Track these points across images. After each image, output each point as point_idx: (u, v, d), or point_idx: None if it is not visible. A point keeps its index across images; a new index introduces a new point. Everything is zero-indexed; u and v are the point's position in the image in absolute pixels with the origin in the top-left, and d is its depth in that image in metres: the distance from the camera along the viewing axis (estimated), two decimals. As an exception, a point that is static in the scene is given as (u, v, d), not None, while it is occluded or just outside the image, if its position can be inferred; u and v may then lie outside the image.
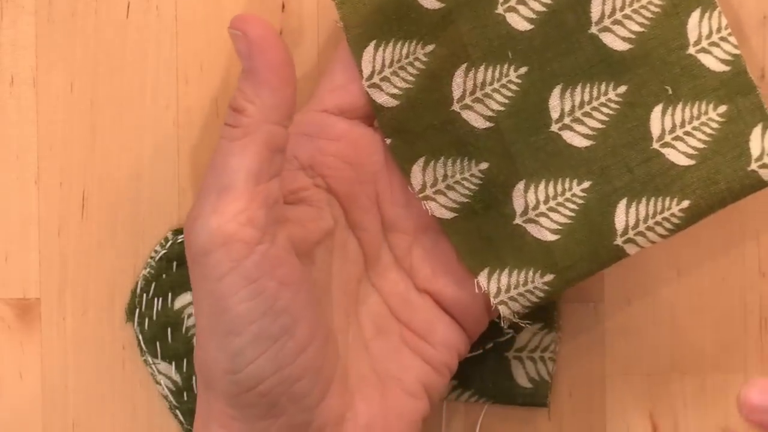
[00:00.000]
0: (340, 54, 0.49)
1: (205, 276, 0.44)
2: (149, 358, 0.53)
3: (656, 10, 0.48)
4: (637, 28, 0.48)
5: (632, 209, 0.48)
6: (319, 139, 0.47)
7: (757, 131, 0.48)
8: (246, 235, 0.43)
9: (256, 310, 0.43)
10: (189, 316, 0.53)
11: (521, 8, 0.48)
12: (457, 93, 0.48)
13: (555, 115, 0.49)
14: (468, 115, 0.49)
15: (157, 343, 0.53)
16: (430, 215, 0.49)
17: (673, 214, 0.48)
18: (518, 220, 0.49)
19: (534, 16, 0.48)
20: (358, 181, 0.49)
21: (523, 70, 0.48)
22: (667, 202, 0.48)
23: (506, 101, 0.48)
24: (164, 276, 0.53)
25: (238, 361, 0.44)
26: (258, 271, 0.43)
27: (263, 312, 0.43)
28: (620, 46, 0.48)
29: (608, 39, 0.48)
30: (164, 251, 0.53)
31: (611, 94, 0.48)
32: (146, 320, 0.53)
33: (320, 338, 0.46)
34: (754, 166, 0.47)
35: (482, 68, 0.48)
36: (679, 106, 0.48)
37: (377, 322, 0.49)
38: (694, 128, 0.48)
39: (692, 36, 0.48)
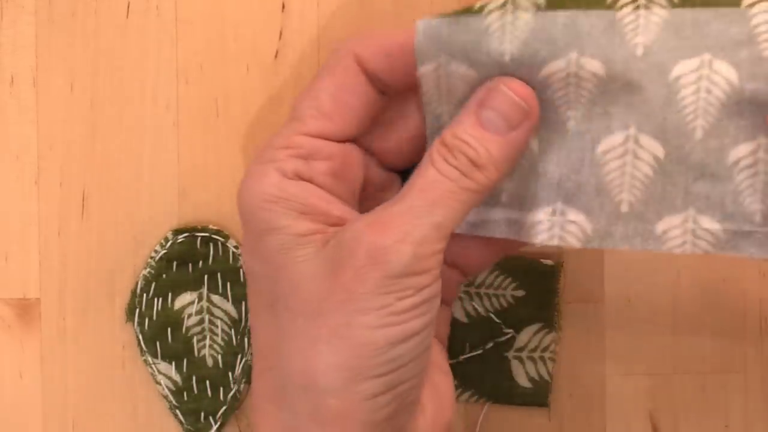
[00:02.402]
0: (326, 78, 0.47)
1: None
2: (149, 358, 0.53)
3: None
4: None
5: None
6: (314, 160, 0.47)
7: None
8: (435, 273, 0.44)
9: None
10: (189, 316, 0.53)
11: None
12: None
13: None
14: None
15: (157, 343, 0.53)
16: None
17: None
18: None
19: None
20: (348, 192, 0.49)
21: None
22: None
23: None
24: (164, 276, 0.53)
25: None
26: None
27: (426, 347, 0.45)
28: None
29: None
30: (164, 251, 0.53)
31: None
32: (146, 320, 0.53)
33: None
34: None
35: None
36: None
37: None
38: None
39: None
